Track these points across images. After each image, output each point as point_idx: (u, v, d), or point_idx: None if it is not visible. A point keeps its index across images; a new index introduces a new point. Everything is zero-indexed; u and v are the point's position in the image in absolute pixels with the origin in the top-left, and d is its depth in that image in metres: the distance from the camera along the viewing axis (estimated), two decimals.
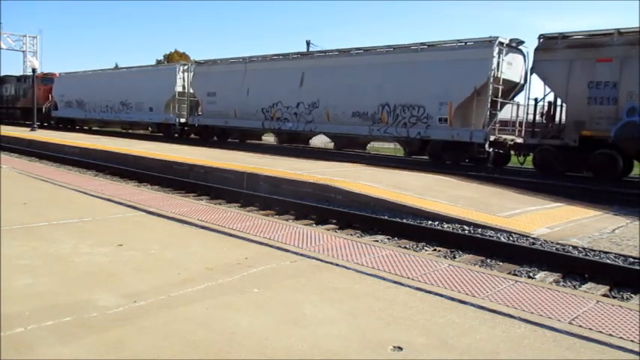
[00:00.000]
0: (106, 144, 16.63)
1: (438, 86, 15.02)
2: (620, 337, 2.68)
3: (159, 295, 3.03)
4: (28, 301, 2.84)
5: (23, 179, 7.95)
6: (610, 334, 2.71)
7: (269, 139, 26.85)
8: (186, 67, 24.43)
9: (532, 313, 2.99)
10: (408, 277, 3.62)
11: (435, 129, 15.24)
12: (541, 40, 13.94)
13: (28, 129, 24.43)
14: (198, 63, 23.78)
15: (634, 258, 5.56)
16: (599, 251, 5.79)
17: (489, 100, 14.28)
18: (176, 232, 4.83)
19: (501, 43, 14.40)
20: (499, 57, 14.38)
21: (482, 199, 8.64)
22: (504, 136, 15.24)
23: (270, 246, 4.36)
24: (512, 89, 15.61)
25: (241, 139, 24.08)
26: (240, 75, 21.01)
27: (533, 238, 6.28)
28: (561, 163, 13.43)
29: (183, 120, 23.96)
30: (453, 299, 3.19)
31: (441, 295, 3.25)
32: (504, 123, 16.60)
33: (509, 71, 14.97)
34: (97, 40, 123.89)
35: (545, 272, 5.25)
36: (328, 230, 6.38)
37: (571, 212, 8.20)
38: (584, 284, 4.94)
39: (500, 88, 14.47)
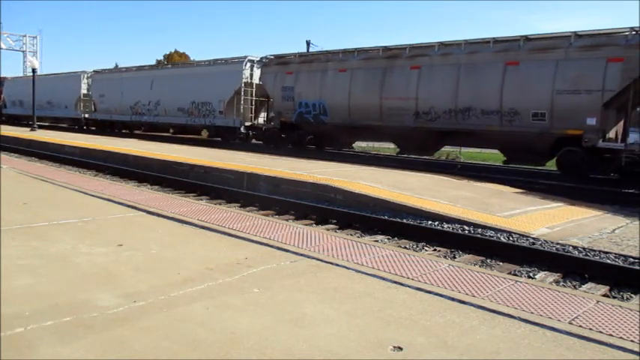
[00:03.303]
0: (105, 144, 16.63)
1: (218, 89, 21.85)
2: (620, 337, 2.68)
3: (159, 295, 3.03)
4: (28, 301, 2.84)
5: (23, 179, 7.95)
6: (610, 334, 2.71)
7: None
8: (89, 74, 31.38)
9: (532, 313, 2.99)
10: (408, 277, 3.62)
11: (217, 118, 22.27)
12: (268, 59, 20.82)
13: (29, 129, 24.50)
14: (95, 72, 31.13)
15: (634, 258, 5.56)
16: (599, 251, 5.79)
17: (243, 98, 21.21)
18: (176, 232, 4.83)
19: (251, 61, 21.41)
20: (251, 70, 21.40)
21: (482, 199, 8.64)
22: (258, 122, 21.95)
23: (270, 246, 4.36)
24: None
25: (129, 130, 29.63)
26: (118, 81, 28.49)
27: (533, 238, 6.27)
28: (278, 139, 19.92)
29: (87, 116, 31.53)
30: (453, 299, 3.19)
31: (441, 295, 3.25)
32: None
33: None
34: (97, 40, 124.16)
35: (545, 272, 5.25)
36: (328, 230, 6.37)
37: (571, 212, 8.20)
38: (584, 284, 4.94)
39: (254, 90, 21.28)
